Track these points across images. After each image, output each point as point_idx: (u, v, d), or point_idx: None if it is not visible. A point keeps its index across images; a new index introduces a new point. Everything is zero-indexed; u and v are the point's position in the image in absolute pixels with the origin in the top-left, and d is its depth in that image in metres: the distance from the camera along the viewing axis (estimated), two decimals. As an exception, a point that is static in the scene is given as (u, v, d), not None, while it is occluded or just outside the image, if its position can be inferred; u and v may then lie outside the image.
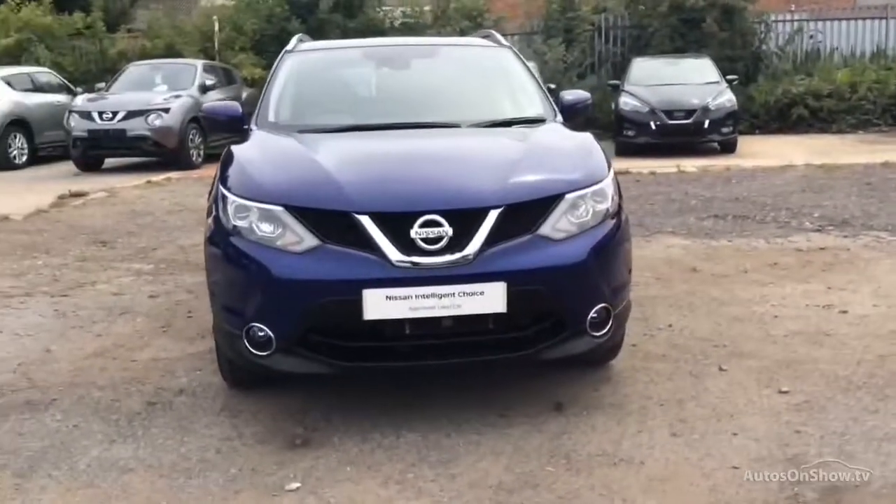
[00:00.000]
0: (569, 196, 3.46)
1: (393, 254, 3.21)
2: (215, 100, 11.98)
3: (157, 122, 13.04)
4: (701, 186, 9.90)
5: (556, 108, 4.53)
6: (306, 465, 3.17)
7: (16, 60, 17.52)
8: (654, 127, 13.24)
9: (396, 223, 3.24)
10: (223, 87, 14.79)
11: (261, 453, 3.29)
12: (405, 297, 3.20)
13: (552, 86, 14.21)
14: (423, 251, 3.23)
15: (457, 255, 3.23)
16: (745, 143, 14.01)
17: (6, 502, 2.98)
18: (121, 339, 4.81)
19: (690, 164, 11.69)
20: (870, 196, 8.78)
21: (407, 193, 3.38)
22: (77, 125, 13.18)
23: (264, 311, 3.32)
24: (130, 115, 13.02)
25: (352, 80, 4.85)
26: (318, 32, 15.95)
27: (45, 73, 15.93)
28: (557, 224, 3.41)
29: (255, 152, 3.92)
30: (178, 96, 13.47)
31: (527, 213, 3.38)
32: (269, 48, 16.85)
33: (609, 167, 3.81)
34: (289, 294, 3.27)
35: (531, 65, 15.19)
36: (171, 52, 17.89)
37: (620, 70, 16.10)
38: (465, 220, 3.26)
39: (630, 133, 13.52)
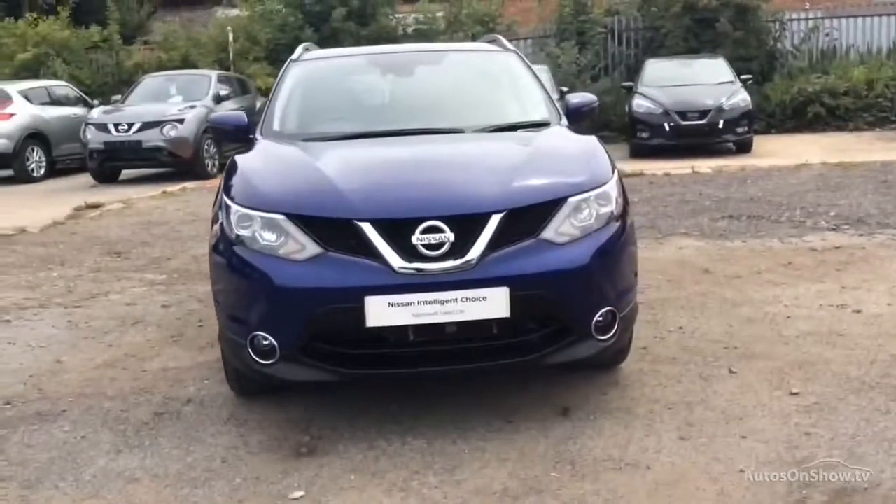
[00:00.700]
0: (572, 199, 3.44)
1: (395, 260, 3.21)
2: (229, 110, 12.06)
3: (172, 133, 13.14)
4: (715, 187, 9.83)
5: (561, 112, 4.50)
6: (310, 473, 3.17)
7: (34, 74, 17.76)
8: (667, 128, 13.18)
9: (398, 230, 3.23)
10: (237, 97, 14.89)
11: (266, 462, 3.29)
12: (407, 304, 3.19)
13: (564, 89, 14.23)
14: (425, 257, 3.22)
15: (459, 261, 3.22)
16: (761, 142, 13.93)
17: (12, 514, 3.00)
18: (132, 350, 4.83)
19: (705, 165, 11.61)
20: (886, 194, 8.68)
21: (408, 200, 3.37)
22: (93, 137, 13.33)
23: (267, 320, 3.32)
24: (146, 126, 13.14)
25: (356, 88, 4.85)
26: (331, 41, 16.03)
27: (62, 87, 16.11)
28: (560, 228, 3.38)
29: (257, 161, 3.93)
30: (192, 107, 13.57)
31: (529, 217, 3.36)
32: (283, 57, 16.70)
33: (613, 170, 3.78)
34: (291, 302, 3.27)
35: (543, 68, 15.14)
36: (186, 63, 18.06)
37: (634, 72, 16.05)
38: (466, 225, 3.25)
39: (644, 135, 13.47)
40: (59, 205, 10.65)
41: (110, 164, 13.57)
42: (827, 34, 17.56)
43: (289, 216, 3.34)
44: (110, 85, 18.45)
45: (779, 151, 12.86)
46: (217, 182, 4.30)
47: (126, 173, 14.16)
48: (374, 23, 17.65)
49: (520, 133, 4.20)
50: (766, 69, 16.77)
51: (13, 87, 14.88)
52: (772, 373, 3.95)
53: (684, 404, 3.64)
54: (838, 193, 8.87)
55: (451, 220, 3.24)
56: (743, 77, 14.13)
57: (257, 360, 3.38)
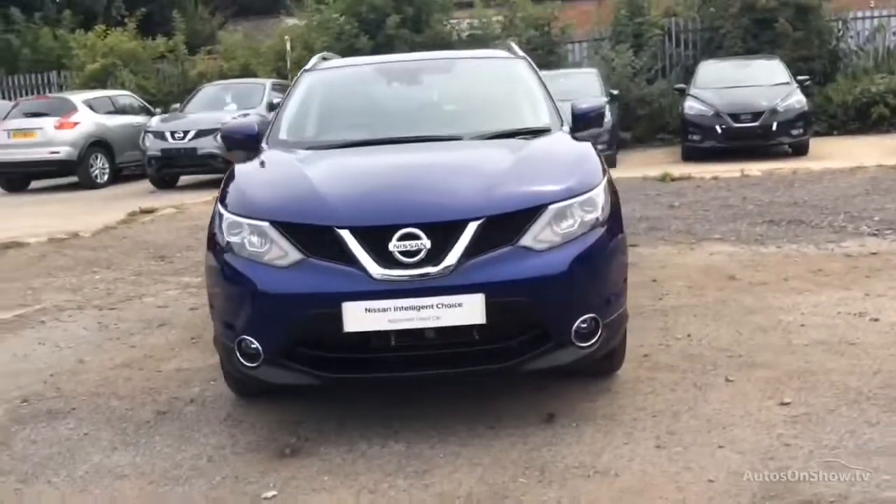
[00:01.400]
0: (552, 206, 3.45)
1: (372, 267, 3.27)
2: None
3: (226, 140, 13.47)
4: (761, 191, 9.62)
5: (564, 118, 4.50)
6: (288, 474, 3.25)
7: (102, 84, 18.42)
8: (719, 131, 12.92)
9: (375, 237, 3.30)
10: (292, 104, 15.14)
11: (248, 462, 3.39)
12: (384, 310, 3.25)
13: (615, 92, 14.10)
14: (402, 264, 3.27)
15: (435, 268, 3.26)
16: (819, 144, 13.55)
17: (4, 506, 3.17)
18: (153, 351, 5.01)
19: (756, 168, 11.35)
20: (938, 198, 8.38)
21: (386, 208, 3.43)
22: (152, 145, 13.83)
23: (252, 324, 3.43)
24: (200, 133, 13.56)
25: (361, 96, 4.92)
26: (385, 48, 16.18)
27: (125, 96, 16.69)
28: (540, 235, 3.40)
29: (252, 170, 4.06)
30: (246, 114, 13.85)
31: (509, 224, 3.38)
32: (338, 65, 17.12)
33: (603, 176, 3.77)
34: (272, 307, 3.36)
35: (592, 71, 14.96)
36: (246, 72, 18.50)
37: (691, 74, 15.78)
38: (443, 232, 3.29)
39: (695, 137, 13.24)
40: (117, 210, 11.04)
41: (167, 170, 14.08)
42: (893, 33, 16.97)
43: (273, 223, 3.44)
44: (175, 94, 18.99)
45: (836, 154, 12.49)
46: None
47: (184, 179, 14.60)
48: (429, 29, 17.73)
49: (515, 140, 4.21)
50: (828, 69, 16.31)
51: (78, 97, 15.50)
52: (768, 382, 3.87)
53: (671, 413, 3.60)
54: (887, 197, 8.59)
55: (428, 228, 3.28)
56: (801, 78, 13.77)
57: (244, 363, 3.49)
